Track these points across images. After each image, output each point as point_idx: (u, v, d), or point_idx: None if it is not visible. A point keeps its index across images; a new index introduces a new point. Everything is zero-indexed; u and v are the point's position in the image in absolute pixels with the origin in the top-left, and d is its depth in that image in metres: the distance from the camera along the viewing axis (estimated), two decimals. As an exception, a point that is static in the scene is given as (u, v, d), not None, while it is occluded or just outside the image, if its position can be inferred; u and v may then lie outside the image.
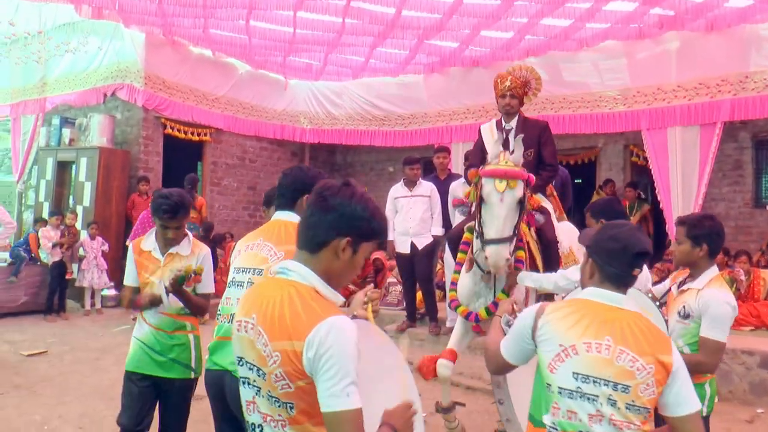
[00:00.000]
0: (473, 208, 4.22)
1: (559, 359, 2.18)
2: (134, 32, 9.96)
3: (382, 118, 11.73)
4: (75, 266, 9.49)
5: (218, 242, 10.25)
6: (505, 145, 4.55)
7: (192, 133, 11.07)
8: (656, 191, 8.66)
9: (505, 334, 2.53)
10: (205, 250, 3.77)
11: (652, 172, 8.64)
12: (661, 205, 8.59)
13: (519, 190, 3.87)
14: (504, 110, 4.97)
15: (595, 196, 10.09)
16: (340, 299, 1.88)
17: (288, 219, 2.85)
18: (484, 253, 3.75)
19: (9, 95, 12.45)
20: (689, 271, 3.33)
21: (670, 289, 3.45)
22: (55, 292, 9.27)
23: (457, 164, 9.33)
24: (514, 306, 2.89)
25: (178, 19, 9.11)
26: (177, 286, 3.41)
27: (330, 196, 1.85)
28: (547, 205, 4.83)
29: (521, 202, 3.86)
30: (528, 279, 3.98)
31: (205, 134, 11.32)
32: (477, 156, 5.04)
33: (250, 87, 11.86)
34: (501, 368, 2.55)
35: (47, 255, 9.27)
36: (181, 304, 3.56)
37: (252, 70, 11.70)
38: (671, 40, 8.37)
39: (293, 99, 12.53)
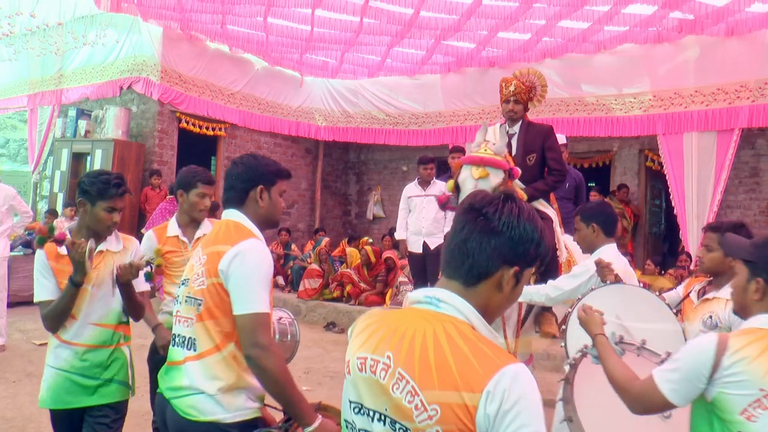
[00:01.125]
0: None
1: (761, 406, 1.87)
2: (152, 26, 10.00)
3: (397, 117, 11.73)
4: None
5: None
6: (509, 149, 4.49)
7: (207, 128, 11.09)
8: (670, 196, 8.61)
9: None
10: (135, 243, 3.27)
11: (667, 177, 8.60)
12: (675, 211, 8.55)
13: (495, 179, 3.76)
14: (507, 116, 4.80)
15: (612, 202, 10.02)
16: (500, 340, 1.67)
17: (237, 219, 2.38)
18: None
19: (27, 86, 12.56)
20: (710, 278, 3.27)
21: (687, 296, 3.42)
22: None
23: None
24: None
25: (197, 14, 9.15)
26: (129, 278, 2.96)
27: (493, 214, 1.46)
28: (549, 212, 4.65)
29: None
30: None
31: (220, 129, 11.35)
32: None
33: (265, 83, 11.89)
34: (658, 409, 2.10)
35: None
36: (119, 311, 3.07)
37: (268, 66, 11.72)
38: (690, 44, 8.34)
39: (309, 96, 12.55)
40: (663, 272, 8.53)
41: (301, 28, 9.27)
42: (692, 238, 8.26)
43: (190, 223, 3.73)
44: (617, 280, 3.22)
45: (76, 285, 2.83)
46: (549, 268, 4.12)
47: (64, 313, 2.90)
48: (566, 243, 4.71)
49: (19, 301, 9.08)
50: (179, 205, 3.73)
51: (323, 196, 13.70)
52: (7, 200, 7.03)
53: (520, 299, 3.12)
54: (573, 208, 7.91)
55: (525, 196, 4.19)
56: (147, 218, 9.94)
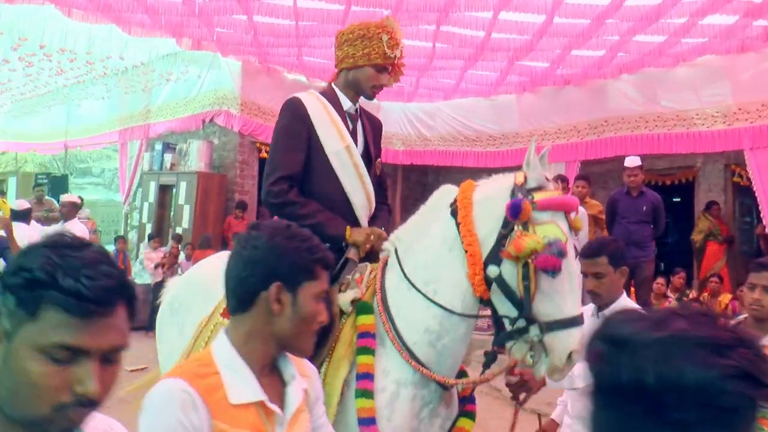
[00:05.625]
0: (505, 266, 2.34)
1: None
2: (231, 61, 10.39)
3: (474, 138, 11.69)
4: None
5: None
6: (353, 137, 2.94)
7: (286, 156, 11.35)
8: (760, 213, 8.23)
9: None
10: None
11: (756, 193, 8.21)
12: (767, 229, 8.16)
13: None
14: (374, 90, 2.91)
15: (702, 220, 9.65)
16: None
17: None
18: (545, 343, 2.25)
19: (117, 122, 13.29)
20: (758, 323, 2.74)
21: None
22: (156, 310, 9.63)
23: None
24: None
25: (273, 48, 9.44)
26: None
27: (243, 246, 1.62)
28: None
29: None
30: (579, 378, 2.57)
31: (298, 157, 11.60)
32: None
33: (343, 111, 12.09)
34: None
35: (150, 275, 9.77)
36: None
37: (345, 93, 11.93)
38: (776, 53, 7.98)
39: (386, 121, 12.37)
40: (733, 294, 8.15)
41: (374, 56, 9.41)
42: (786, 256, 7.86)
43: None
44: None
45: None
46: None
47: None
48: None
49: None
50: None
51: (403, 220, 13.69)
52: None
53: (581, 384, 2.58)
54: (651, 233, 7.71)
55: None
56: (230, 245, 10.28)
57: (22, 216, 7.69)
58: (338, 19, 7.80)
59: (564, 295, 2.23)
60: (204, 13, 7.91)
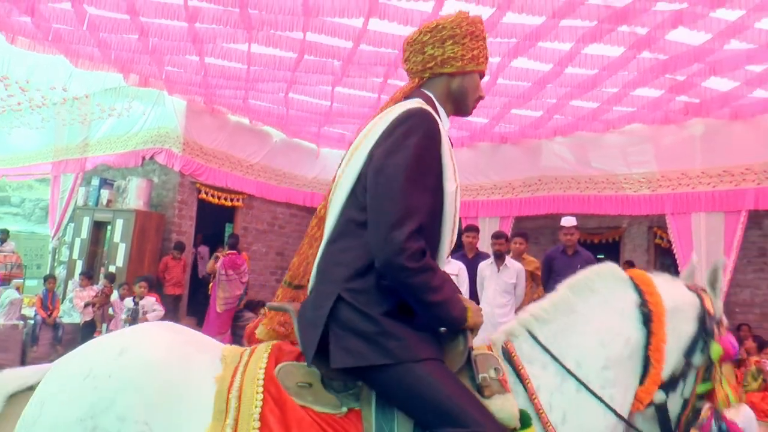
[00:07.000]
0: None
1: None
2: (176, 99, 10.37)
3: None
4: (104, 326, 9.64)
5: (254, 309, 10.46)
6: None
7: (225, 199, 11.35)
8: (679, 274, 8.69)
9: None
10: None
11: (676, 255, 8.72)
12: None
13: None
14: (474, 105, 2.29)
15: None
16: None
17: None
18: None
19: (51, 153, 12.94)
20: None
21: None
22: (83, 351, 9.31)
23: (484, 242, 9.19)
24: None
25: (220, 90, 9.52)
26: None
27: None
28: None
29: None
30: None
31: (238, 200, 11.61)
32: None
33: (283, 154, 12.22)
34: None
35: (79, 314, 9.49)
36: None
37: (286, 138, 12.08)
38: (696, 126, 8.60)
39: (324, 167, 12.83)
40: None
41: (320, 103, 9.62)
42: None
43: None
44: None
45: None
46: None
47: None
48: None
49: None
50: None
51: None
52: None
53: None
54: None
55: None
56: (165, 286, 10.12)
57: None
58: (289, 66, 8.00)
59: None
60: (156, 51, 7.94)
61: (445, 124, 2.11)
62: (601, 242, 11.01)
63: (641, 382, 2.11)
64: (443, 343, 1.96)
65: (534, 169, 10.26)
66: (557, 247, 7.81)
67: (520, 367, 2.01)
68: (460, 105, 2.20)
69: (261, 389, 1.85)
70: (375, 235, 1.84)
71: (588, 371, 2.04)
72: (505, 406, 1.85)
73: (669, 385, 2.14)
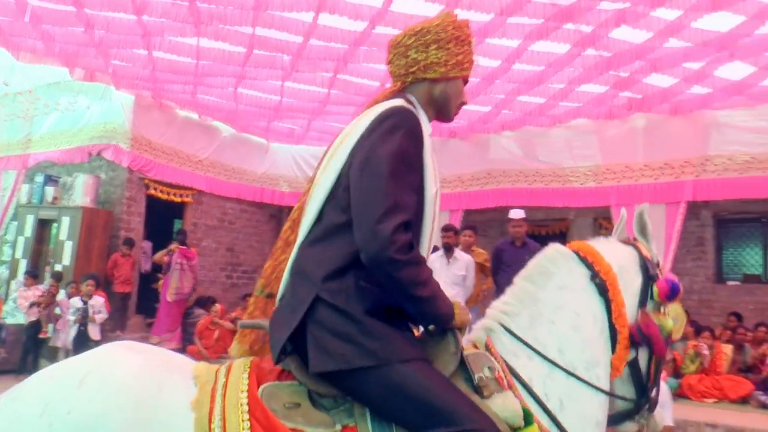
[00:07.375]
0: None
1: None
2: (123, 94, 10.16)
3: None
4: (51, 326, 9.42)
5: (204, 306, 10.34)
6: None
7: (174, 195, 11.22)
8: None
9: None
10: None
11: (621, 245, 8.96)
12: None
13: None
14: (456, 111, 2.29)
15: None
16: None
17: None
18: (649, 421, 2.35)
19: (-9, 150, 12.53)
20: None
21: None
22: (29, 352, 9.11)
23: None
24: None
25: (169, 84, 9.41)
26: None
27: None
28: None
29: None
30: None
31: (187, 196, 11.49)
32: None
33: (233, 149, 12.11)
34: None
35: (24, 314, 9.26)
36: None
37: (236, 133, 11.98)
38: (639, 121, 8.87)
39: (274, 162, 12.75)
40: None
41: (270, 98, 9.58)
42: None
43: None
44: None
45: None
46: None
47: None
48: None
49: None
50: None
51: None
52: None
53: None
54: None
55: None
56: (114, 283, 9.96)
57: None
58: (238, 60, 7.96)
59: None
60: (103, 44, 7.79)
61: (427, 128, 2.03)
62: (549, 234, 11.28)
63: (613, 351, 2.17)
64: (433, 346, 1.93)
65: (483, 162, 10.42)
66: (506, 239, 7.95)
67: (507, 361, 2.02)
68: (442, 111, 2.17)
69: (247, 415, 1.72)
70: (361, 229, 1.78)
71: (571, 357, 2.07)
72: (506, 404, 1.83)
73: (634, 342, 2.22)
